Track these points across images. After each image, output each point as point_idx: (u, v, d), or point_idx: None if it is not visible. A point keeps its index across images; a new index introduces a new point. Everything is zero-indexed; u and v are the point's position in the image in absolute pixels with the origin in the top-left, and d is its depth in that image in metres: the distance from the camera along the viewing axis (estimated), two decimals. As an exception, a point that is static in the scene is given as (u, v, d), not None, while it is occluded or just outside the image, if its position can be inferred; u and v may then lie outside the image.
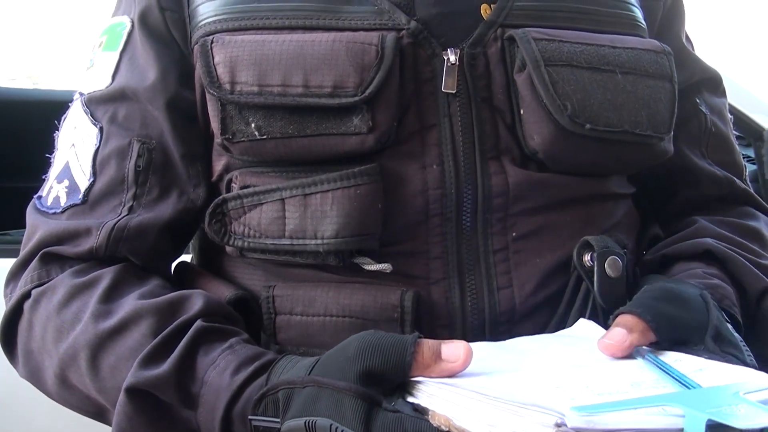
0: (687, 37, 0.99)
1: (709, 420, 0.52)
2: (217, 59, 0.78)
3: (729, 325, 0.73)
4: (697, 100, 0.96)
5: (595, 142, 0.79)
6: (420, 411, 0.59)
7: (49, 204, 0.84)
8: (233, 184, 0.81)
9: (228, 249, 0.81)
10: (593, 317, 0.76)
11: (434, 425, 0.57)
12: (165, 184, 0.82)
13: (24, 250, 0.84)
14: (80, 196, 0.82)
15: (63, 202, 0.83)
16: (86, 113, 0.85)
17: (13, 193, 1.78)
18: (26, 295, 0.81)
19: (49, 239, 0.82)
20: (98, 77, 0.86)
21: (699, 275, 0.81)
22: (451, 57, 0.78)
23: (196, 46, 0.80)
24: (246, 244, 0.79)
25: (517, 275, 0.78)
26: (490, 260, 0.78)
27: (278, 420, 0.63)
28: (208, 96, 0.79)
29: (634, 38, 0.85)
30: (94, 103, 0.85)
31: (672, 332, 0.68)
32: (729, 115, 1.00)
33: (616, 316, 0.69)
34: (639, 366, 0.64)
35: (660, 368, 0.62)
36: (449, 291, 0.77)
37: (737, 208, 0.95)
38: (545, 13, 0.82)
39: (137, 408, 0.71)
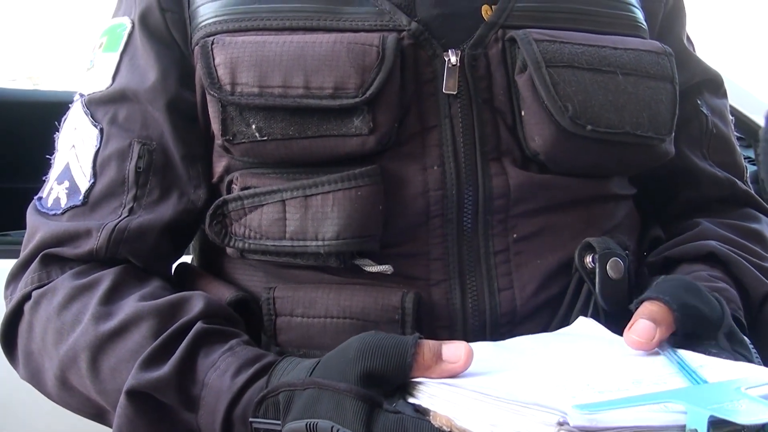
0: (688, 38, 0.98)
1: (711, 416, 0.52)
2: (217, 60, 0.77)
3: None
4: (698, 102, 0.96)
5: (596, 144, 0.79)
6: (421, 412, 0.59)
7: (49, 205, 0.84)
8: (234, 186, 0.80)
9: (228, 250, 0.81)
10: (594, 319, 0.76)
11: (436, 426, 0.57)
12: (165, 185, 0.82)
13: (24, 251, 0.84)
14: (80, 197, 0.82)
15: (63, 203, 0.83)
16: (86, 114, 0.85)
17: (13, 193, 1.78)
18: (26, 297, 0.81)
19: (49, 241, 0.82)
20: (98, 78, 0.86)
21: (704, 278, 0.81)
22: (452, 58, 0.78)
23: (196, 47, 0.80)
24: (246, 245, 0.79)
25: (518, 277, 0.78)
26: (491, 262, 0.78)
27: (279, 422, 0.63)
28: (208, 97, 0.79)
29: (635, 39, 0.85)
30: (94, 104, 0.85)
31: (692, 325, 0.68)
32: (730, 117, 1.00)
33: (641, 302, 0.68)
34: (640, 362, 0.63)
35: (678, 363, 0.62)
36: (450, 292, 0.77)
37: (738, 209, 0.95)
38: (546, 14, 0.82)
39: (138, 410, 0.71)
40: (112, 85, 0.84)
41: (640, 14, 0.88)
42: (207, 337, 0.72)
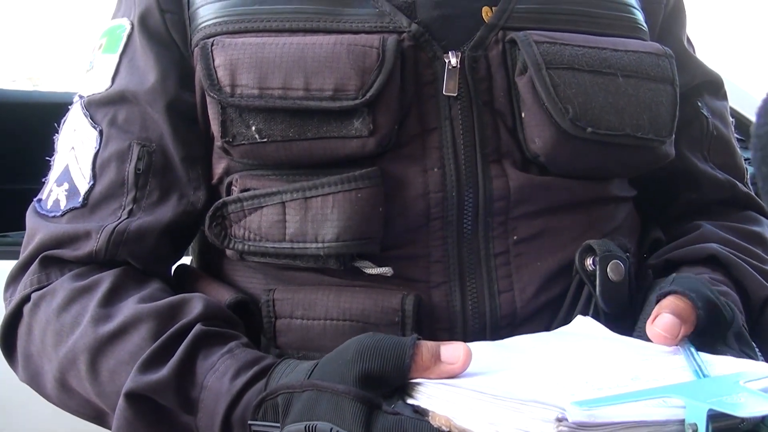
0: (688, 40, 0.98)
1: (710, 410, 0.52)
2: (217, 62, 0.77)
3: None
4: (699, 103, 0.96)
5: (597, 146, 0.79)
6: (420, 412, 0.59)
7: (48, 207, 0.84)
8: (233, 187, 0.80)
9: (228, 252, 0.81)
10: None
11: (435, 426, 0.57)
12: (165, 187, 0.82)
13: (24, 253, 0.84)
14: (80, 199, 0.82)
15: (63, 205, 0.83)
16: (86, 116, 0.85)
17: (13, 195, 1.78)
18: (26, 299, 0.81)
19: (48, 243, 0.81)
20: (98, 80, 0.86)
21: (706, 281, 0.81)
22: (452, 60, 0.78)
23: (196, 48, 0.80)
24: (246, 247, 0.79)
25: (518, 279, 0.78)
26: (491, 264, 0.78)
27: (278, 425, 0.63)
28: (208, 99, 0.79)
29: (636, 41, 0.85)
30: (93, 106, 0.85)
31: (710, 324, 0.68)
32: (730, 118, 1.00)
33: (664, 295, 0.68)
34: (639, 359, 0.63)
35: (691, 356, 0.62)
36: (450, 294, 0.77)
37: (739, 212, 0.95)
38: (546, 15, 0.82)
39: (137, 413, 0.71)
40: (111, 86, 0.84)
41: (640, 16, 0.88)
42: (206, 339, 0.72)
